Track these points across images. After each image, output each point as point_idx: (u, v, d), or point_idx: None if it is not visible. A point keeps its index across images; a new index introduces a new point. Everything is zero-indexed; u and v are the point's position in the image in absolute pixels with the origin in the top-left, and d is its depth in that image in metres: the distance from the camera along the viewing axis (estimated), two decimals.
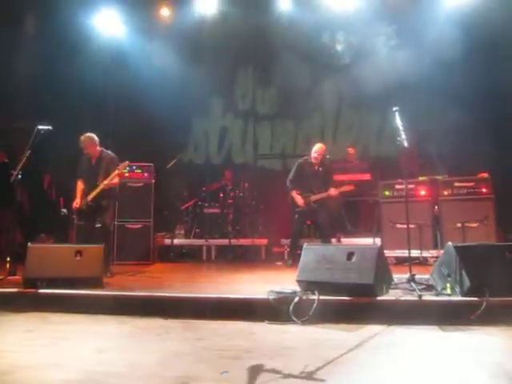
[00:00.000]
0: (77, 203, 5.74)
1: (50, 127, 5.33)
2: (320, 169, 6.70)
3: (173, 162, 8.11)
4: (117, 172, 5.69)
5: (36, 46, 8.23)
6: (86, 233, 5.89)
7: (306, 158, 6.79)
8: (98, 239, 5.35)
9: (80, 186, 5.87)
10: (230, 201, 8.37)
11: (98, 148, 5.86)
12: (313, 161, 6.68)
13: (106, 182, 5.62)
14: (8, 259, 5.27)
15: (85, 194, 5.78)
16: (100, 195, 5.66)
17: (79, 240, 6.47)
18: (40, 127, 5.27)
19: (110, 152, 5.95)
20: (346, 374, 2.55)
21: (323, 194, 6.51)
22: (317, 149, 6.68)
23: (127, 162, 5.83)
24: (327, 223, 6.62)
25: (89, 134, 5.78)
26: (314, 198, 6.53)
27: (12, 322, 3.84)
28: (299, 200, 6.56)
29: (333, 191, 6.51)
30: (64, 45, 8.18)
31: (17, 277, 4.99)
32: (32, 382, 2.41)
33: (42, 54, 8.07)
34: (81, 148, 5.78)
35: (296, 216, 6.70)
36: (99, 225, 5.77)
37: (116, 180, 5.78)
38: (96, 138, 5.83)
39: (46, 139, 5.35)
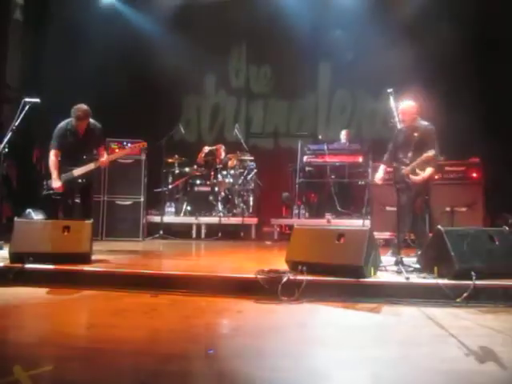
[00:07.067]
0: (59, 186, 5.08)
1: (38, 100, 5.19)
2: (415, 134, 4.69)
3: (164, 139, 8.00)
4: (125, 152, 6.07)
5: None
6: (65, 210, 5.43)
7: (393, 123, 4.74)
8: (79, 216, 5.14)
9: (55, 159, 5.16)
10: (221, 179, 8.33)
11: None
12: (403, 125, 4.82)
13: (104, 160, 5.32)
14: None
15: (65, 167, 5.20)
16: (89, 171, 5.29)
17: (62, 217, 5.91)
18: (27, 99, 5.13)
19: (96, 122, 5.44)
20: (331, 353, 2.57)
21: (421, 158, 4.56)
22: (406, 108, 4.85)
23: (145, 143, 5.85)
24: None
25: (85, 106, 5.26)
26: (407, 169, 4.68)
27: None
28: (379, 177, 5.15)
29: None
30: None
31: (4, 251, 4.95)
32: (21, 357, 2.40)
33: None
34: (76, 118, 5.16)
35: (399, 194, 4.78)
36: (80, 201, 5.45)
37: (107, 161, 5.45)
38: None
39: (34, 112, 5.22)
